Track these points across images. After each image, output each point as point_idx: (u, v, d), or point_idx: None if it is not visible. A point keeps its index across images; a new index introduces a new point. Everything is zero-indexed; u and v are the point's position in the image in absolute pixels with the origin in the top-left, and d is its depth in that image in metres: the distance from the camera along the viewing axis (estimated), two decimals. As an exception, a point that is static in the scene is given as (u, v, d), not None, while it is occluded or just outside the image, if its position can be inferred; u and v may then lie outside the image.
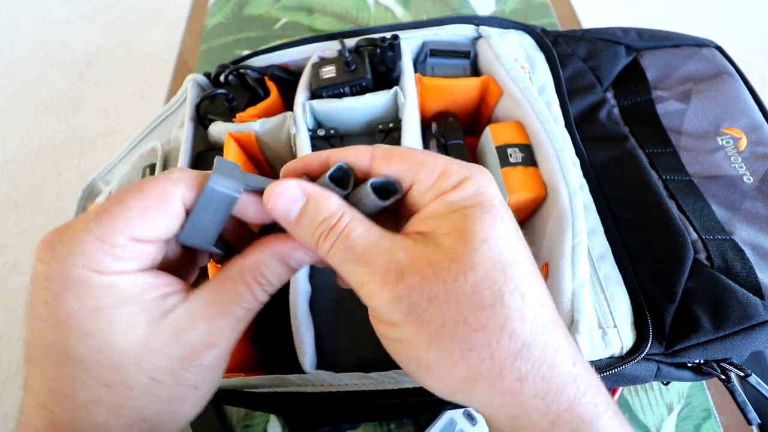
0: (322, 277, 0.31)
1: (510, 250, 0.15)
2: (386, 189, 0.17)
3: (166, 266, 0.19)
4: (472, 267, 0.14)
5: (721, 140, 0.33)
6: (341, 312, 0.30)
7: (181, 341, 0.17)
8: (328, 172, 0.17)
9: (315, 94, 0.36)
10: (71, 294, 0.16)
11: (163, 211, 0.17)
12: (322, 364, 0.29)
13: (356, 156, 0.18)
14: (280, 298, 0.30)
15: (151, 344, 0.16)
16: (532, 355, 0.14)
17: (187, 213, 0.18)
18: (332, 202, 0.17)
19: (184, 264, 0.21)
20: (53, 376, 0.16)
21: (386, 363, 0.27)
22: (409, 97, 0.34)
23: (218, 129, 0.36)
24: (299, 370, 0.27)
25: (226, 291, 0.18)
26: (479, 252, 0.15)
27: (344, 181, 0.18)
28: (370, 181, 0.17)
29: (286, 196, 0.17)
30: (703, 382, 0.36)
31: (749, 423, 0.27)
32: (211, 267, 0.31)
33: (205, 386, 0.19)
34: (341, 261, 0.16)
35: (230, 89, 0.38)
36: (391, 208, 0.18)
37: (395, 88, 0.35)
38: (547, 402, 0.14)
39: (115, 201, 0.17)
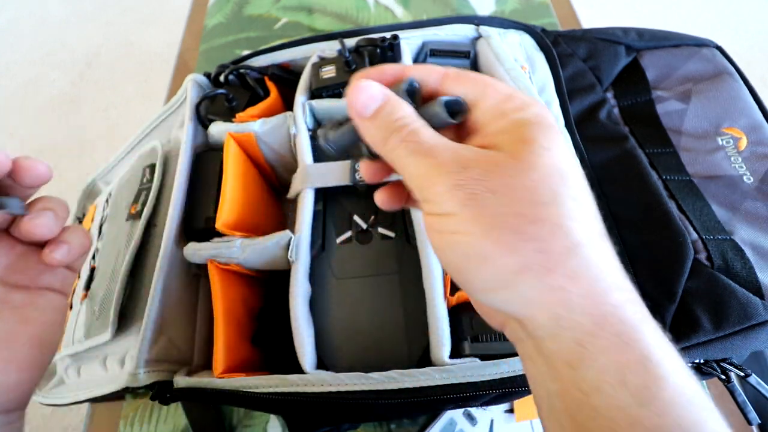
0: (322, 277, 0.31)
1: (568, 162, 0.16)
2: (454, 109, 0.18)
3: None
4: (533, 166, 0.15)
5: (721, 140, 0.33)
6: (341, 312, 0.30)
7: None
8: (404, 85, 0.18)
9: (315, 94, 0.36)
10: None
11: None
12: (321, 364, 0.29)
13: (429, 73, 0.19)
14: (280, 298, 0.30)
15: None
16: (585, 254, 0.15)
17: None
18: (407, 107, 0.18)
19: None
20: None
21: (386, 363, 0.27)
22: (409, 97, 0.34)
23: (218, 129, 0.36)
24: (299, 370, 0.27)
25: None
26: (541, 156, 0.15)
27: (413, 97, 0.19)
28: (441, 99, 0.18)
29: (368, 93, 0.18)
30: (703, 382, 0.36)
31: (749, 423, 0.27)
32: (210, 266, 0.31)
33: None
34: (406, 154, 0.17)
35: (230, 89, 0.38)
36: (454, 128, 0.19)
37: (395, 88, 0.35)
38: (594, 302, 0.15)
39: None
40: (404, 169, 0.17)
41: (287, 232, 0.30)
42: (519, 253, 0.15)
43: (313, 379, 0.26)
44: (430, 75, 0.19)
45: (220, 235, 0.32)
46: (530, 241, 0.15)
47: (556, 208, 0.15)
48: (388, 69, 0.19)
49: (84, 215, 0.44)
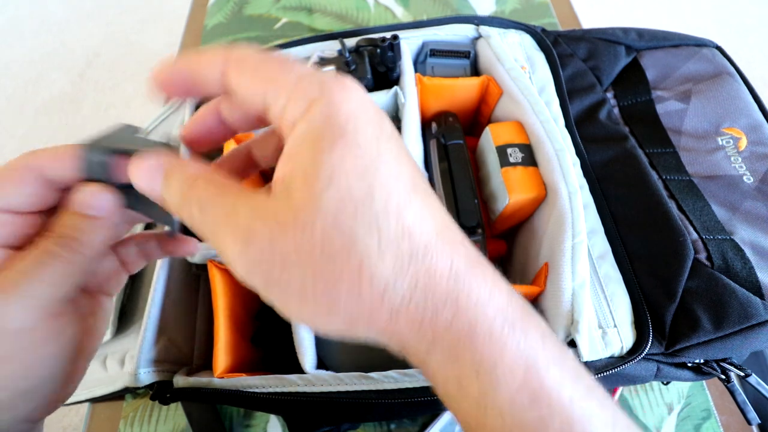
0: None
1: (363, 182, 0.13)
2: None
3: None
4: (318, 212, 0.13)
5: (721, 140, 0.33)
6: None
7: None
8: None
9: (315, 94, 0.36)
10: None
11: (12, 181, 0.17)
12: (321, 364, 0.29)
13: (208, 66, 0.15)
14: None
15: None
16: (399, 289, 0.13)
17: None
18: (190, 168, 0.16)
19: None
20: None
21: (386, 363, 0.27)
22: (409, 97, 0.34)
23: (218, 129, 0.36)
24: (299, 370, 0.27)
25: (21, 253, 0.17)
26: (325, 195, 0.13)
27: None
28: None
29: (146, 169, 0.16)
30: (703, 382, 0.36)
31: (749, 423, 0.27)
32: (210, 265, 0.31)
33: None
34: (202, 230, 0.15)
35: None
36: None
37: (395, 88, 0.35)
38: (423, 329, 0.14)
39: None
40: (206, 239, 0.15)
41: None
42: (338, 315, 0.14)
43: (313, 378, 0.26)
44: (210, 67, 0.15)
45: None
46: (341, 302, 0.14)
47: (354, 254, 0.13)
48: (167, 75, 0.16)
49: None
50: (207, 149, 0.19)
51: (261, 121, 0.18)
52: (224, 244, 0.14)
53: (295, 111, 0.14)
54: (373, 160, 0.13)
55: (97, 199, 0.17)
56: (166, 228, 0.19)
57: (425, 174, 0.33)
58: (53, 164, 0.17)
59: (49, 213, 0.19)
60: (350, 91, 0.14)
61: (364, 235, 0.13)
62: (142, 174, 0.16)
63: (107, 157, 0.17)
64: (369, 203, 0.13)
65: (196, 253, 0.21)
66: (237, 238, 0.14)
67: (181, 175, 0.15)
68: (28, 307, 0.16)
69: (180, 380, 0.29)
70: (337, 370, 0.27)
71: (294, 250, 0.13)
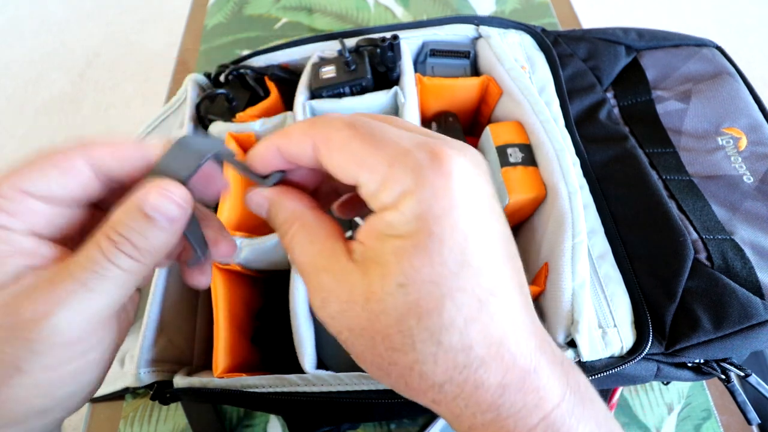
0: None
1: (433, 295, 0.13)
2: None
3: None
4: (384, 311, 0.14)
5: (721, 140, 0.33)
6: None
7: (12, 310, 0.15)
8: (271, 181, 0.17)
9: (315, 94, 0.36)
10: None
11: (60, 168, 0.16)
12: (321, 364, 0.29)
13: (298, 145, 0.16)
14: (281, 297, 0.30)
15: None
16: (445, 391, 0.14)
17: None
18: (287, 208, 0.17)
19: None
20: None
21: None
22: (409, 97, 0.34)
23: (218, 129, 0.36)
24: (299, 370, 0.27)
25: (77, 256, 0.16)
26: (393, 297, 0.14)
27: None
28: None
29: (255, 202, 0.18)
30: (703, 382, 0.36)
31: (749, 423, 0.27)
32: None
33: (28, 365, 0.15)
34: (294, 266, 0.17)
35: (230, 89, 0.38)
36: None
37: (395, 88, 0.35)
38: (461, 420, 0.15)
39: (22, 162, 0.16)
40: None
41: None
42: (388, 381, 0.15)
43: (312, 378, 0.26)
44: (300, 147, 0.16)
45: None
46: (392, 379, 0.15)
47: (410, 354, 0.14)
48: (261, 157, 0.17)
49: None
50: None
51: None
52: (308, 289, 0.16)
53: (385, 199, 0.14)
54: (451, 272, 0.13)
55: (175, 202, 0.16)
56: (194, 253, 0.19)
57: None
58: (113, 156, 0.16)
59: (91, 208, 0.18)
60: (448, 178, 0.14)
61: (424, 342, 0.14)
62: (252, 205, 0.17)
63: (199, 160, 0.16)
64: (435, 316, 0.13)
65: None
66: (317, 295, 0.15)
67: (284, 213, 0.17)
68: (83, 321, 0.15)
69: (180, 380, 0.29)
70: (337, 370, 0.27)
71: (360, 326, 0.14)
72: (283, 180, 0.18)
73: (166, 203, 0.16)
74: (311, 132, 0.15)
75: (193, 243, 0.18)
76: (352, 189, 0.16)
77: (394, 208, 0.14)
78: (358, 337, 0.15)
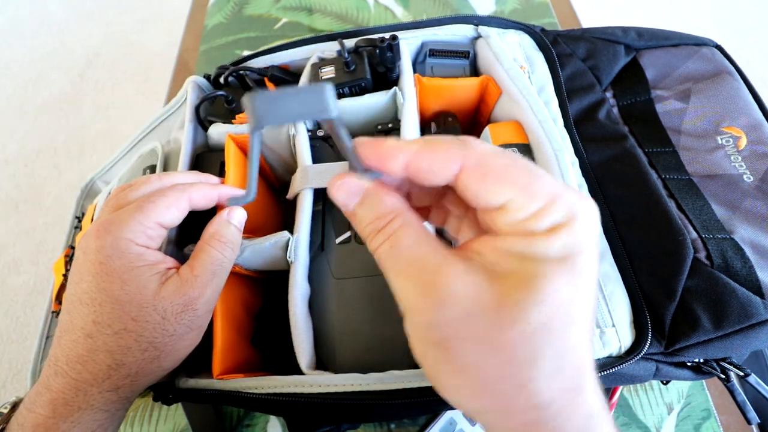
0: (321, 277, 0.31)
1: (563, 317, 0.14)
2: None
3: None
4: (518, 321, 0.14)
5: (721, 139, 0.33)
6: (340, 312, 0.30)
7: (179, 294, 0.24)
8: (367, 177, 0.17)
9: (314, 95, 0.36)
10: (117, 256, 0.23)
11: (177, 207, 0.26)
12: (321, 364, 0.29)
13: (444, 160, 0.16)
14: (280, 299, 0.30)
15: (162, 294, 0.24)
16: (547, 411, 0.15)
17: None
18: (387, 202, 0.16)
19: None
20: (98, 312, 0.23)
21: (385, 363, 0.27)
22: (408, 98, 0.34)
23: (218, 131, 0.36)
24: (298, 370, 0.27)
25: (201, 257, 0.26)
26: (532, 311, 0.14)
27: None
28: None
29: (345, 190, 0.17)
30: (703, 381, 0.36)
31: (748, 422, 0.27)
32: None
33: (196, 329, 0.25)
34: (385, 265, 0.16)
35: (230, 91, 0.38)
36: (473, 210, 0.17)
37: (394, 88, 0.35)
38: None
39: (146, 200, 0.25)
40: (387, 278, 0.16)
41: (285, 233, 0.30)
42: (482, 400, 0.15)
43: (309, 379, 0.26)
44: (446, 164, 0.16)
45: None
46: (493, 392, 0.15)
47: (527, 371, 0.14)
48: (393, 153, 0.16)
49: (83, 215, 0.44)
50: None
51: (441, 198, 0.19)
52: (409, 291, 0.15)
53: (538, 225, 0.15)
54: (581, 303, 0.15)
55: (239, 214, 0.28)
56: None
57: None
58: (202, 196, 0.27)
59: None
60: (594, 218, 0.15)
61: (547, 359, 0.14)
62: (341, 193, 0.17)
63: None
64: (564, 338, 0.14)
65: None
66: (429, 296, 0.15)
67: (378, 207, 0.16)
68: (214, 297, 0.26)
69: (182, 382, 0.29)
70: (335, 371, 0.27)
71: (481, 334, 0.14)
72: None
73: (239, 214, 0.28)
74: (463, 152, 0.16)
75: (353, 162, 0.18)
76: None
77: (548, 237, 0.15)
78: (474, 346, 0.14)
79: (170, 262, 0.26)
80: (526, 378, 0.14)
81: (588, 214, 0.15)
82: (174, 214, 0.26)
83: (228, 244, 0.27)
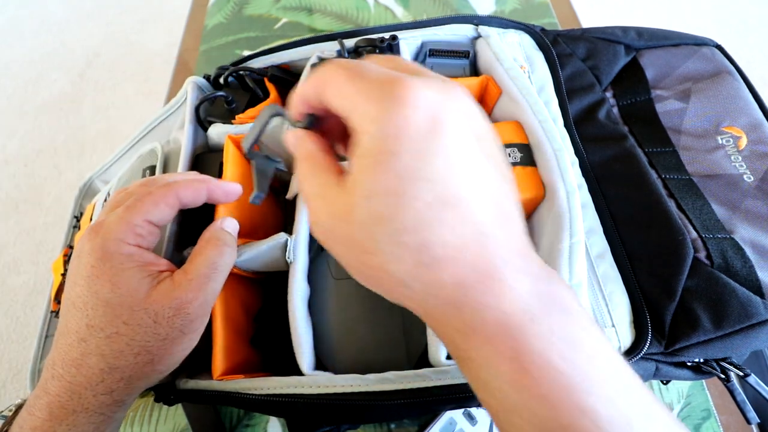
0: (321, 278, 0.31)
1: (390, 202, 0.16)
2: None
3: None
4: (355, 220, 0.16)
5: (721, 139, 0.33)
6: (340, 312, 0.30)
7: (171, 297, 0.24)
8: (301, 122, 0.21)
9: (314, 94, 0.36)
10: (107, 258, 0.23)
11: (166, 204, 0.25)
12: (320, 365, 0.29)
13: (311, 90, 0.19)
14: (279, 299, 0.30)
15: (153, 297, 0.23)
16: (411, 286, 0.17)
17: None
18: (306, 147, 0.20)
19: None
20: (90, 315, 0.23)
21: (384, 363, 0.27)
22: (409, 97, 0.34)
23: (218, 131, 0.36)
24: (298, 371, 0.27)
25: (196, 260, 0.25)
26: (361, 207, 0.16)
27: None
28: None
29: (289, 140, 0.21)
30: (703, 382, 0.36)
31: (748, 422, 0.27)
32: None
33: (190, 332, 0.25)
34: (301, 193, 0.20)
35: (230, 91, 0.38)
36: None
37: (394, 88, 0.34)
38: (429, 313, 0.18)
39: (134, 199, 0.25)
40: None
41: (282, 234, 0.29)
42: (369, 284, 0.18)
43: (309, 380, 0.26)
44: (311, 91, 0.19)
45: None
46: (372, 279, 0.18)
47: (377, 256, 0.16)
48: (293, 104, 0.21)
49: (82, 214, 0.44)
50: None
51: None
52: (308, 213, 0.22)
53: (360, 126, 0.16)
54: (409, 183, 0.16)
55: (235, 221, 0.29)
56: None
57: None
58: (188, 194, 0.26)
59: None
60: (403, 105, 0.16)
61: (387, 244, 0.16)
62: (287, 140, 0.21)
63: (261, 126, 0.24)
64: (394, 220, 0.16)
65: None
66: (312, 216, 0.19)
67: (302, 151, 0.20)
68: (211, 300, 0.25)
69: (182, 382, 0.29)
70: (335, 371, 0.27)
71: (342, 236, 0.17)
72: (317, 125, 0.21)
73: (233, 223, 0.28)
74: (315, 76, 0.18)
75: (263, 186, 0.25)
76: None
77: (363, 133, 0.16)
78: (342, 247, 0.18)
79: (164, 264, 0.25)
80: (379, 262, 0.17)
81: (402, 98, 0.16)
82: (163, 210, 0.25)
83: (224, 247, 0.26)
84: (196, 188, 0.27)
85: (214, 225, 0.28)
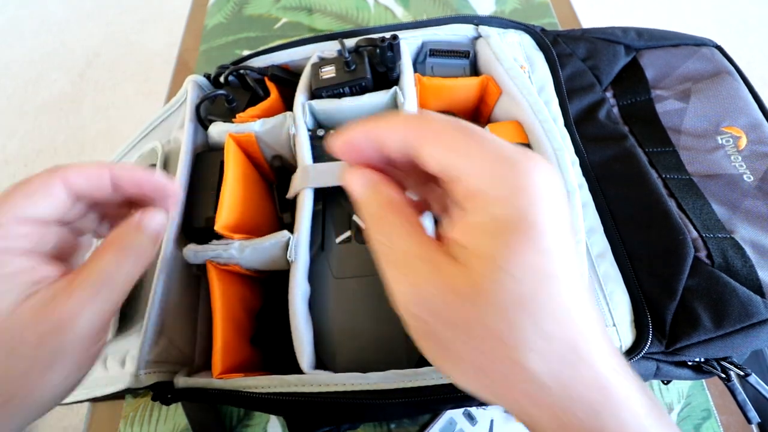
0: (321, 277, 0.31)
1: (536, 288, 0.14)
2: None
3: (62, 254, 0.21)
4: (492, 301, 0.14)
5: (721, 139, 0.33)
6: (340, 312, 0.30)
7: (45, 311, 0.18)
8: None
9: (315, 95, 0.36)
10: None
11: (45, 194, 0.20)
12: (321, 364, 0.29)
13: (397, 132, 0.16)
14: (280, 298, 0.30)
15: (16, 313, 0.18)
16: (542, 383, 0.14)
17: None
18: (386, 193, 0.17)
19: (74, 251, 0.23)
20: None
21: (385, 362, 0.27)
22: (409, 98, 0.34)
23: (218, 130, 0.36)
24: (298, 370, 0.27)
25: (89, 266, 0.20)
26: (502, 286, 0.14)
27: None
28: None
29: (354, 179, 0.18)
30: (703, 381, 0.36)
31: (749, 422, 0.27)
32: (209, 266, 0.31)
33: (68, 359, 0.19)
34: (378, 255, 0.17)
35: (230, 90, 0.38)
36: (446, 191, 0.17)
37: (395, 88, 0.35)
38: (555, 419, 0.15)
39: (4, 191, 0.19)
40: (378, 264, 0.17)
41: (284, 232, 0.29)
42: (479, 376, 0.15)
43: (310, 379, 0.26)
44: (394, 135, 0.16)
45: (220, 236, 0.32)
46: (489, 371, 0.15)
47: (514, 348, 0.14)
48: (357, 139, 0.17)
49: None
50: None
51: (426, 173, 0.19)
52: (397, 280, 0.16)
53: (491, 192, 0.15)
54: (551, 260, 0.14)
55: (161, 219, 0.22)
56: None
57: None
58: (83, 183, 0.20)
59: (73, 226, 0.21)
60: (544, 176, 0.15)
61: (528, 330, 0.14)
62: (351, 181, 0.18)
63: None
64: (539, 303, 0.14)
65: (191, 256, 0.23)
66: (415, 287, 0.15)
67: (382, 196, 0.17)
68: (100, 320, 0.19)
69: (181, 381, 0.29)
70: (336, 370, 0.27)
71: (464, 320, 0.14)
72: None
73: (158, 220, 0.21)
74: (414, 122, 0.16)
75: None
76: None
77: (499, 201, 0.14)
78: (460, 333, 0.15)
79: (50, 270, 0.20)
80: (515, 355, 0.14)
81: (539, 171, 0.15)
82: (42, 202, 0.19)
83: (130, 253, 0.20)
84: (90, 174, 0.21)
85: (128, 221, 0.21)
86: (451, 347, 0.15)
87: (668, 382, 0.34)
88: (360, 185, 0.18)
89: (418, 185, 0.20)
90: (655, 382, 0.36)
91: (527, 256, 0.14)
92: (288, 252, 0.29)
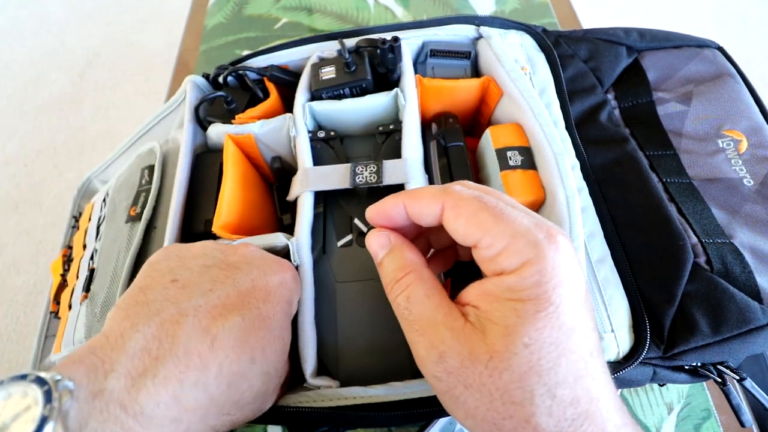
0: (323, 280, 0.31)
1: (551, 355, 0.15)
2: None
3: None
4: (508, 368, 0.15)
5: (722, 142, 0.33)
6: (342, 315, 0.30)
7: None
8: None
9: (315, 96, 0.36)
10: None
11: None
12: (322, 368, 0.29)
13: (427, 206, 0.19)
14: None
15: None
16: None
17: None
18: (407, 256, 0.19)
19: None
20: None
21: (387, 367, 0.27)
22: (410, 99, 0.34)
23: (217, 131, 0.36)
24: (301, 375, 0.27)
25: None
26: (518, 356, 0.15)
27: None
28: None
29: (377, 241, 0.20)
30: (703, 382, 0.36)
31: (742, 425, 0.27)
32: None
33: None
34: (400, 316, 0.18)
35: (229, 90, 0.38)
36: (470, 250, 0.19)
37: (395, 89, 0.34)
38: None
39: None
40: (401, 324, 0.19)
41: (279, 235, 0.29)
42: None
43: (313, 395, 0.26)
44: (429, 207, 0.18)
45: (218, 238, 0.31)
46: (500, 429, 0.16)
47: (528, 407, 0.15)
48: (392, 209, 0.20)
49: (80, 214, 0.44)
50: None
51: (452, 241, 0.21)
52: (416, 341, 0.17)
53: (506, 264, 0.16)
54: (567, 335, 0.16)
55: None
56: None
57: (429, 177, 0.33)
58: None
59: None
60: (563, 255, 0.16)
61: (542, 396, 0.15)
62: (373, 243, 0.20)
63: None
64: (553, 373, 0.15)
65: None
66: (433, 349, 0.17)
67: (402, 261, 0.19)
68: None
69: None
70: (338, 375, 0.27)
71: (478, 381, 0.16)
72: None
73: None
74: (443, 197, 0.18)
75: None
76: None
77: (515, 274, 0.16)
78: (475, 393, 0.16)
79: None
80: (527, 415, 0.15)
81: (557, 248, 0.16)
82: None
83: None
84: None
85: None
86: (467, 403, 0.16)
87: (664, 384, 0.34)
88: (379, 246, 0.19)
89: (441, 238, 0.22)
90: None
91: (546, 332, 0.15)
92: (291, 256, 0.29)
